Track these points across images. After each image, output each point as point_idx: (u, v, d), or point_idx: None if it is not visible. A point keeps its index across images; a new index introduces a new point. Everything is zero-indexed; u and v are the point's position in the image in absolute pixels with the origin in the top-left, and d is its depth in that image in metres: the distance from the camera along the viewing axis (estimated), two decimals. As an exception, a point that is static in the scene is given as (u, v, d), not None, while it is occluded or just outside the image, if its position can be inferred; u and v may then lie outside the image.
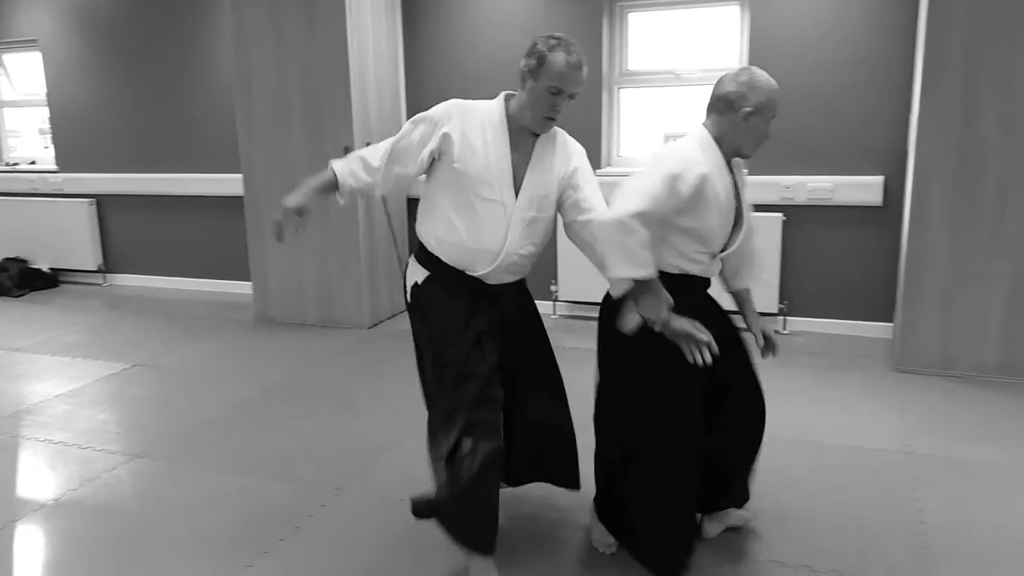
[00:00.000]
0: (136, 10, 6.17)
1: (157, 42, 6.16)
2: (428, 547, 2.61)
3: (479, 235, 2.29)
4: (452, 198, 2.30)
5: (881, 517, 2.76)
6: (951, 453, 3.24)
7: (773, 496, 2.90)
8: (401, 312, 5.65)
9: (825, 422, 3.58)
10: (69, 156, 6.71)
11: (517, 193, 2.29)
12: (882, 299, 4.76)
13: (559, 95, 2.22)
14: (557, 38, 2.23)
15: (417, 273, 2.41)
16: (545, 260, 5.41)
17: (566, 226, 2.41)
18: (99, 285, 6.84)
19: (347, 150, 5.04)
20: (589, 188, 2.36)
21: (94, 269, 6.80)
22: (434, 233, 2.35)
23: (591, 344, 2.54)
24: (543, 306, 5.54)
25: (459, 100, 2.34)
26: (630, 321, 2.21)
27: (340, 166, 2.54)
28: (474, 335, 2.30)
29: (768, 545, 2.59)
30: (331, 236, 5.24)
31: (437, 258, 2.35)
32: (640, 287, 2.11)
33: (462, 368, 2.27)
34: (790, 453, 3.26)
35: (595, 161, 5.13)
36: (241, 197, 5.55)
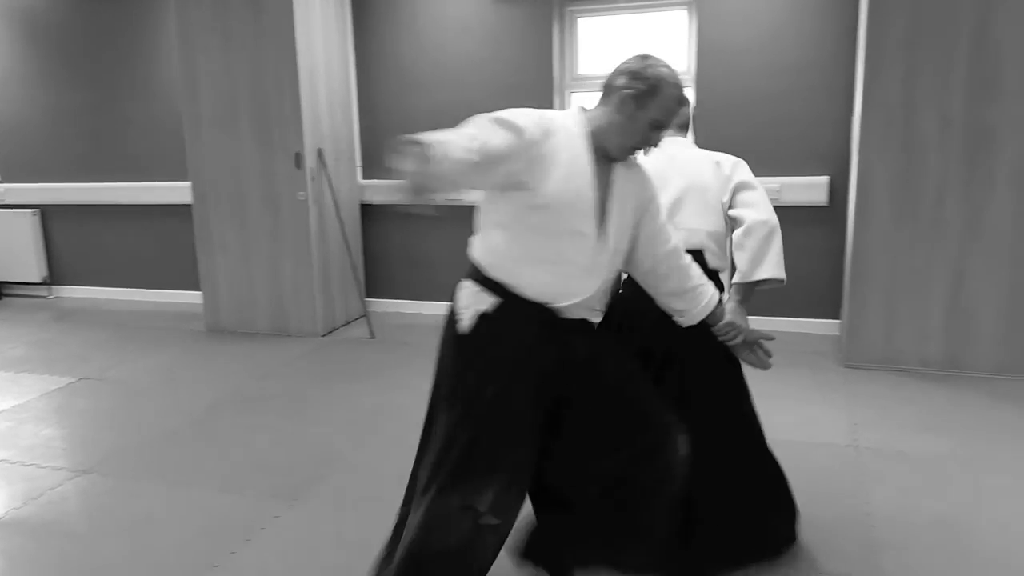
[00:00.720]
0: (78, 14, 6.04)
1: (100, 47, 6.03)
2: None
3: (565, 269, 1.97)
4: (534, 227, 1.95)
5: (830, 511, 2.81)
6: (897, 446, 3.32)
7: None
8: (357, 319, 5.61)
9: (775, 419, 3.62)
10: (11, 166, 6.53)
11: (601, 223, 1.99)
12: (829, 297, 4.86)
13: (660, 129, 1.98)
14: (666, 66, 1.99)
15: (480, 300, 1.99)
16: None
17: (639, 258, 2.13)
18: (44, 297, 6.67)
19: (298, 156, 5.00)
20: (662, 216, 2.16)
21: (38, 281, 6.63)
22: (509, 259, 1.98)
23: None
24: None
25: (540, 111, 1.96)
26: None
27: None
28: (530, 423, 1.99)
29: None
30: (282, 243, 5.18)
31: (507, 288, 1.97)
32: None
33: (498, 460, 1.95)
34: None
35: (547, 165, 5.15)
36: (189, 205, 5.46)
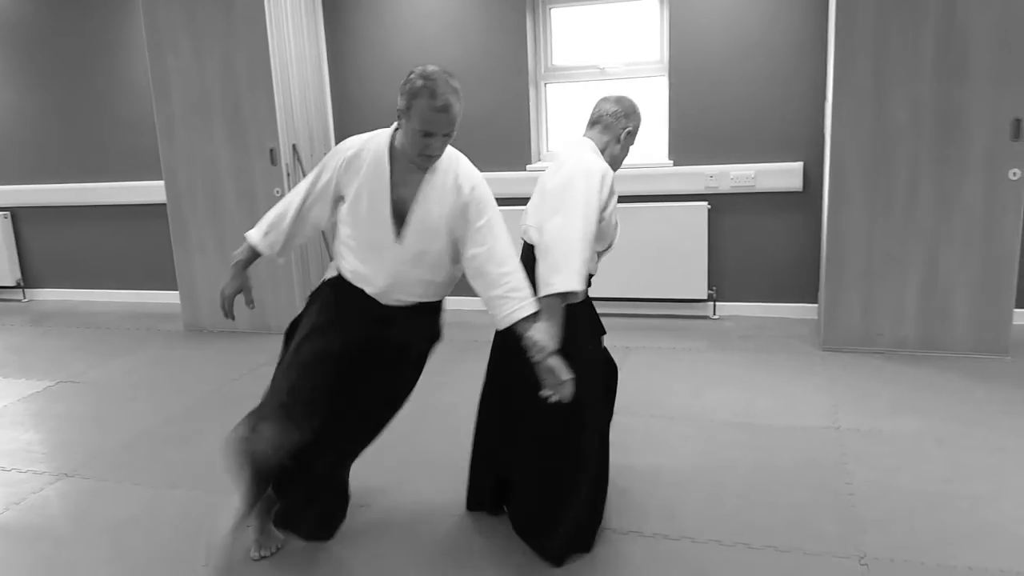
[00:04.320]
0: (46, 14, 5.95)
1: (69, 47, 5.95)
2: (370, 551, 2.61)
3: (366, 267, 2.38)
4: (346, 231, 2.41)
5: (812, 491, 2.85)
6: (876, 426, 3.37)
7: (710, 477, 2.97)
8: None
9: (757, 403, 3.68)
10: (-21, 168, 6.44)
11: (401, 227, 2.32)
12: (806, 281, 4.91)
13: (431, 136, 2.19)
14: (426, 76, 2.20)
15: (331, 271, 2.53)
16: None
17: (464, 260, 2.36)
18: (18, 301, 6.59)
19: (273, 152, 4.97)
20: (482, 220, 2.31)
21: (12, 285, 6.55)
22: (339, 250, 2.48)
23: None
24: (479, 303, 5.56)
25: (353, 139, 2.39)
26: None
27: (255, 235, 2.53)
28: (335, 350, 2.36)
29: (707, 525, 2.65)
30: (260, 241, 5.15)
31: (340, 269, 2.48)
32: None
33: (306, 367, 2.37)
34: (725, 435, 3.35)
35: (524, 157, 5.17)
36: (163, 204, 5.41)
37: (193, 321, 5.47)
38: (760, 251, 4.95)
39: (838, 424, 3.41)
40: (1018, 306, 4.20)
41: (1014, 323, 4.15)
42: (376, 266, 2.37)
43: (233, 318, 2.64)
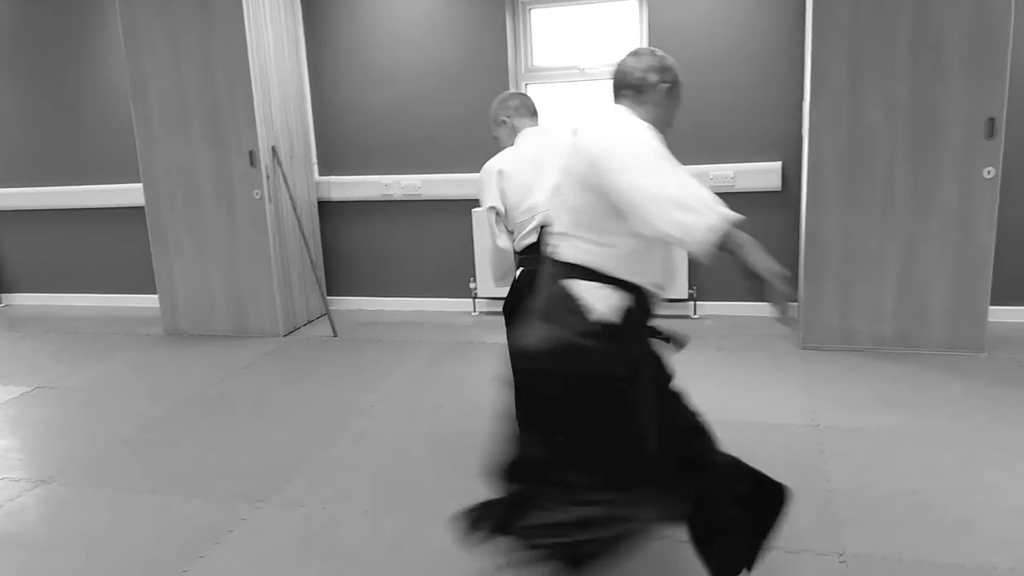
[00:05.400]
0: (21, 15, 5.89)
1: (45, 48, 5.89)
2: (351, 556, 2.60)
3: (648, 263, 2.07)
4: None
5: (792, 489, 2.86)
6: (855, 423, 3.40)
7: (690, 477, 2.99)
8: (319, 317, 5.57)
9: (737, 401, 3.70)
10: (-47, 172, 6.36)
11: None
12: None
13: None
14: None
15: (611, 296, 1.98)
16: (465, 258, 5.42)
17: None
18: (-6, 306, 6.52)
19: (252, 154, 4.94)
20: None
21: (-13, 289, 6.48)
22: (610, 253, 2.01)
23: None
24: (463, 304, 5.58)
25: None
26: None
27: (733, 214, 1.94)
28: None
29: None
30: (239, 243, 5.12)
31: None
32: None
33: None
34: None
35: (504, 157, 5.17)
36: (142, 207, 5.37)
37: (172, 325, 5.43)
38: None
39: (817, 422, 3.44)
40: (993, 303, 4.24)
41: (989, 320, 4.19)
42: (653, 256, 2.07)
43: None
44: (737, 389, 3.86)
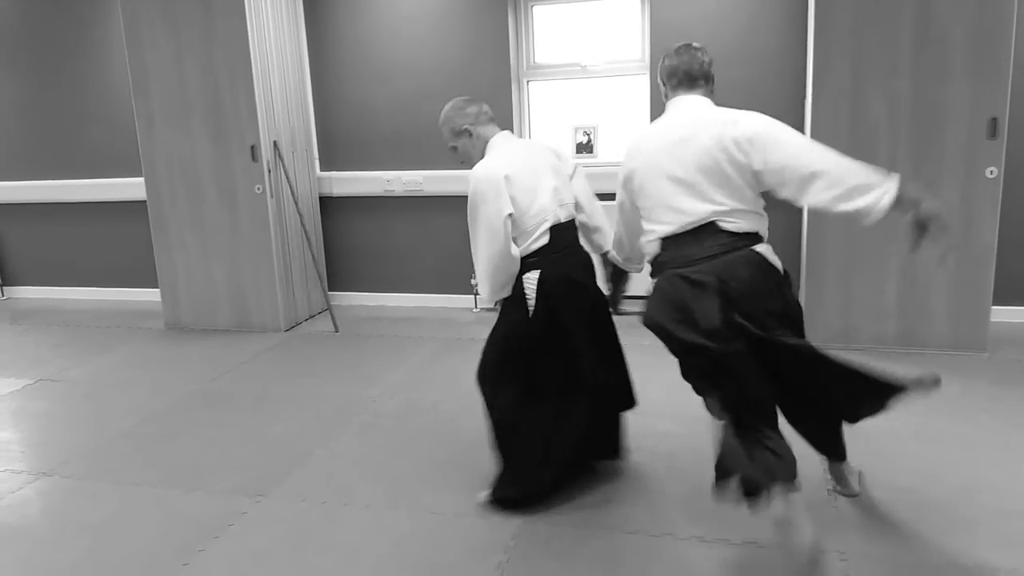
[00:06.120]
0: (23, 9, 5.89)
1: (47, 42, 5.89)
2: (352, 551, 2.60)
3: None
4: None
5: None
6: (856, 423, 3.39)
7: (690, 474, 2.99)
8: (320, 313, 5.58)
9: (738, 400, 3.70)
10: (-45, 165, 6.37)
11: None
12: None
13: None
14: None
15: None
16: (466, 254, 5.42)
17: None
18: (-5, 299, 6.53)
19: (253, 149, 4.94)
20: None
21: (-11, 283, 6.49)
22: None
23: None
24: (464, 300, 5.58)
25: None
26: None
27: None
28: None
29: (688, 521, 2.67)
30: (241, 237, 5.13)
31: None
32: None
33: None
34: (705, 433, 3.35)
35: (507, 154, 5.17)
36: (144, 201, 5.37)
37: (174, 319, 5.43)
38: (741, 248, 4.97)
39: (818, 420, 3.43)
40: (995, 303, 4.24)
41: (992, 320, 4.19)
42: None
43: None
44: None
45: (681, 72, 2.57)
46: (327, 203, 5.70)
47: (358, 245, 5.73)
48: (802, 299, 4.46)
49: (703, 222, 2.42)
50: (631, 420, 3.48)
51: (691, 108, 2.55)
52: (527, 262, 2.71)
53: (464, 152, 2.90)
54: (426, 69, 5.27)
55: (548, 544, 2.57)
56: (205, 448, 3.44)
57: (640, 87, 5.04)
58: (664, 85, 2.65)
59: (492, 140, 2.86)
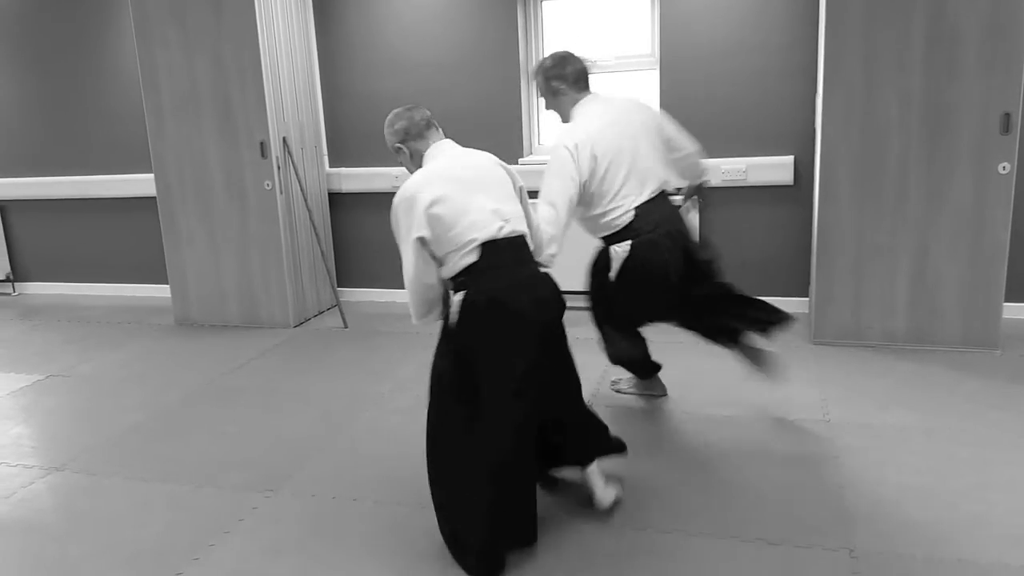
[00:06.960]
0: (34, 5, 5.91)
1: (57, 38, 5.91)
2: (361, 546, 2.61)
3: None
4: None
5: (803, 485, 2.86)
6: (866, 419, 3.38)
7: (700, 470, 2.98)
8: (330, 309, 5.58)
9: (748, 396, 3.69)
10: (-33, 161, 6.40)
11: None
12: (797, 275, 4.93)
13: None
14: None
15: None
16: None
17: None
18: (8, 295, 6.56)
19: (262, 145, 4.95)
20: None
21: (2, 278, 6.51)
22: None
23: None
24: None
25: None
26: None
27: None
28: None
29: (697, 518, 2.66)
30: (250, 233, 5.14)
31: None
32: None
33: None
34: (715, 429, 3.36)
35: (516, 150, 5.16)
36: (153, 197, 5.39)
37: (184, 315, 5.45)
38: (751, 245, 4.96)
39: (828, 417, 3.42)
40: (1007, 300, 4.21)
41: (1003, 317, 4.17)
42: None
43: None
44: (747, 383, 3.85)
45: (584, 75, 3.21)
46: (336, 199, 5.71)
47: (367, 241, 5.73)
48: (812, 296, 4.45)
49: (660, 190, 3.14)
50: (640, 417, 3.49)
51: (608, 100, 3.18)
52: (456, 281, 2.49)
53: (405, 165, 2.74)
54: (435, 65, 5.26)
55: (558, 542, 2.56)
56: (215, 443, 3.45)
57: (649, 83, 5.02)
58: (569, 87, 3.20)
59: (427, 152, 2.66)
